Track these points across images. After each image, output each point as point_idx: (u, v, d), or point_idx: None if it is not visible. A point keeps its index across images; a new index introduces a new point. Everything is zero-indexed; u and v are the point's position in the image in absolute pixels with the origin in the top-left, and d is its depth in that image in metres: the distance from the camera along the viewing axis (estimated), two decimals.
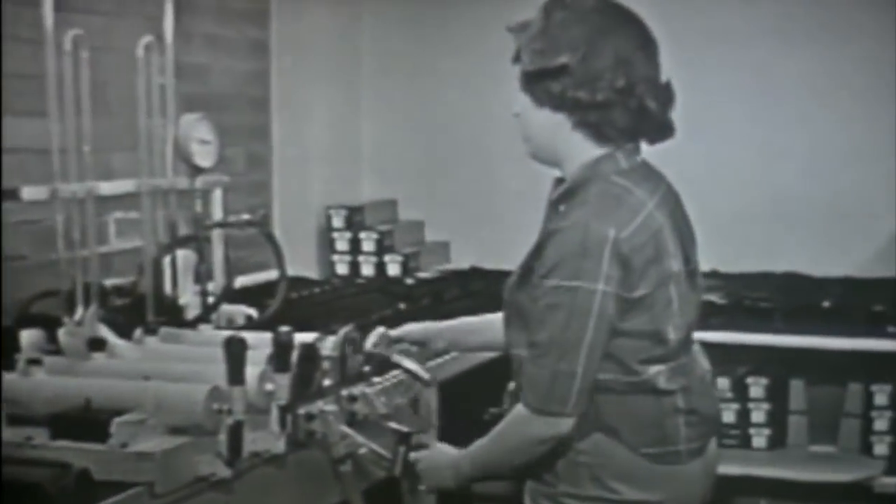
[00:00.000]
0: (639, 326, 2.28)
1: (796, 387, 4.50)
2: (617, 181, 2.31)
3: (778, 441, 4.47)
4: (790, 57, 4.64)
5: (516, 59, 2.37)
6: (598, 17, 2.31)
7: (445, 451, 2.48)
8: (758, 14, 4.65)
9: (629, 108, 2.29)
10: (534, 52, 2.32)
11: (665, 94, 2.33)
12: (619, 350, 2.29)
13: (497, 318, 2.54)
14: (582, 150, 2.33)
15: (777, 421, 4.47)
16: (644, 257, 2.26)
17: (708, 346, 2.49)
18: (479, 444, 2.41)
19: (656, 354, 2.32)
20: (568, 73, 2.28)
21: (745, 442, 4.42)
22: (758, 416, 4.43)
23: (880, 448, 4.33)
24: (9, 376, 2.44)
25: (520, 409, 2.30)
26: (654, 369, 2.31)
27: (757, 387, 4.43)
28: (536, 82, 2.32)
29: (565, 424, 2.27)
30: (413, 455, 2.48)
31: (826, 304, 4.28)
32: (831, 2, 4.62)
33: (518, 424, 2.32)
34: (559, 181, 2.40)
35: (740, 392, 4.42)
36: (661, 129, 2.35)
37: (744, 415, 4.42)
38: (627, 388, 2.31)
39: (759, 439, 4.43)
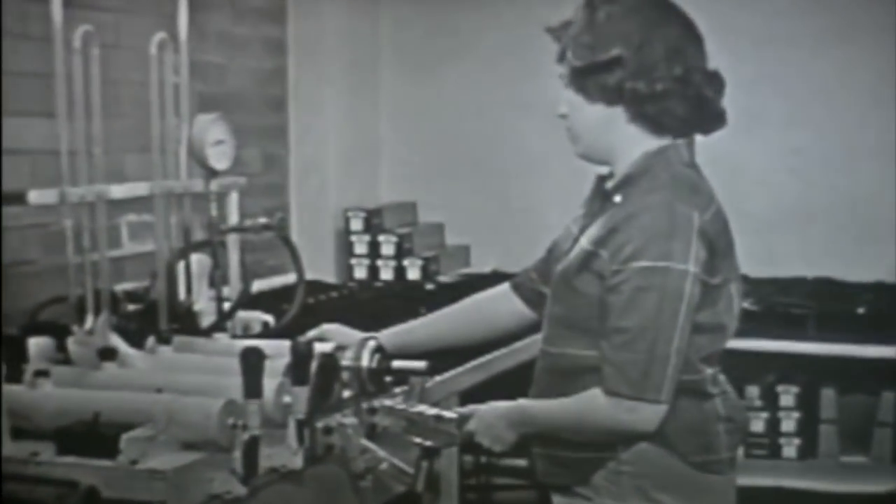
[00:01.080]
0: (706, 319, 2.26)
1: (827, 395, 4.44)
2: (686, 171, 2.31)
3: (808, 451, 4.42)
4: (825, 57, 4.57)
5: (561, 57, 2.33)
6: (646, 10, 2.30)
7: (495, 405, 2.39)
8: (789, 13, 4.58)
9: (687, 98, 2.29)
10: (582, 46, 2.29)
11: (717, 83, 2.33)
12: (689, 345, 2.24)
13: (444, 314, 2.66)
14: (639, 142, 2.32)
15: (807, 430, 4.41)
16: (722, 243, 2.27)
17: (737, 354, 2.49)
18: (545, 408, 2.33)
19: (714, 353, 2.31)
20: (622, 65, 2.26)
21: (775, 452, 4.38)
22: (788, 425, 4.39)
23: None
24: (14, 388, 2.35)
25: (598, 397, 2.23)
26: (709, 370, 2.30)
27: (787, 395, 4.38)
28: (588, 77, 2.29)
29: (654, 414, 2.20)
30: (464, 410, 2.39)
31: (860, 310, 4.20)
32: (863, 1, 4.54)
33: (598, 412, 2.24)
34: (602, 179, 2.39)
35: (770, 400, 4.38)
36: (716, 119, 2.34)
37: (773, 424, 4.38)
38: (683, 388, 2.26)
39: (790, 449, 4.40)
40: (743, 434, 2.42)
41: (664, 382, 2.19)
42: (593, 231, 2.30)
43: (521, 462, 4.28)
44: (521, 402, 2.37)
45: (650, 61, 2.25)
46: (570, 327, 2.33)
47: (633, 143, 2.31)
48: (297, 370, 2.35)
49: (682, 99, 2.28)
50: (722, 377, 2.38)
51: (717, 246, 2.24)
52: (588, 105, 2.31)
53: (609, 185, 2.35)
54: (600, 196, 2.37)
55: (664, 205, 2.22)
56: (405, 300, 4.09)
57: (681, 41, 2.29)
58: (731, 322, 2.32)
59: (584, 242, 2.31)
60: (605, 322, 2.23)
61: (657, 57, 2.26)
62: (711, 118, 2.33)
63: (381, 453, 2.44)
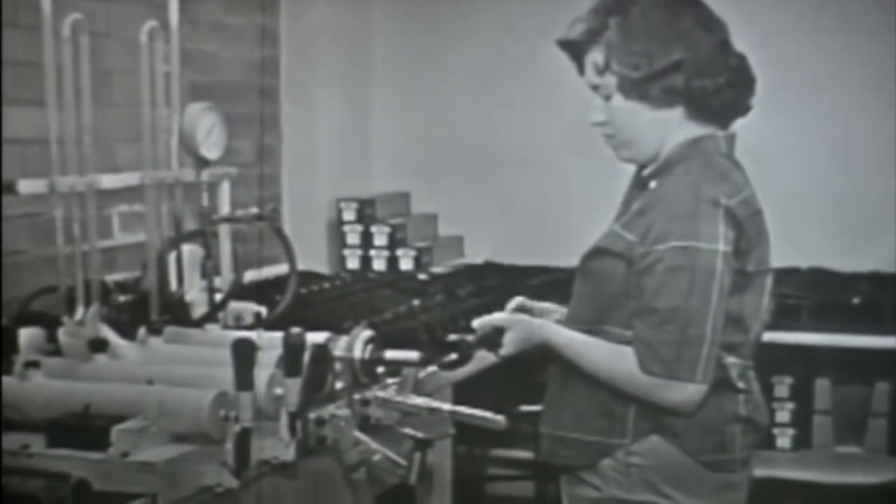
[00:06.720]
0: (727, 306, 2.24)
1: (821, 386, 4.42)
2: (719, 160, 2.31)
3: (803, 442, 4.39)
4: (816, 50, 4.56)
5: (602, 69, 2.30)
6: (682, 5, 2.30)
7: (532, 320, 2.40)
8: (783, 6, 4.56)
9: (742, 84, 2.32)
10: (635, 55, 2.27)
11: (748, 61, 2.35)
12: None
13: None
14: (682, 131, 2.32)
15: (802, 421, 4.38)
16: (752, 230, 2.27)
17: None
18: (588, 348, 2.30)
19: (735, 342, 2.29)
20: (681, 67, 2.26)
21: (769, 442, 4.33)
22: (782, 416, 4.36)
23: None
24: (4, 379, 2.34)
25: (638, 373, 2.23)
26: (730, 359, 2.29)
27: (781, 386, 4.35)
28: (651, 84, 2.28)
29: (693, 392, 2.21)
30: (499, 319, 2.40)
31: (855, 300, 4.18)
32: None
33: (639, 386, 2.24)
34: (641, 167, 2.38)
35: (764, 391, 4.28)
36: (753, 96, 2.36)
37: (768, 414, 4.33)
38: None
39: (784, 440, 4.37)
40: (761, 435, 2.41)
41: (698, 362, 2.19)
42: (624, 215, 2.33)
43: (515, 453, 4.27)
44: (570, 333, 2.34)
45: (706, 55, 2.26)
46: (594, 307, 2.33)
47: (677, 134, 2.31)
48: (290, 361, 2.34)
49: (740, 86, 2.31)
50: (751, 374, 2.38)
51: (747, 231, 2.24)
52: (649, 111, 2.29)
53: (646, 172, 2.35)
54: (638, 184, 2.38)
55: (690, 187, 2.23)
56: (398, 291, 4.07)
57: (723, 31, 2.31)
58: (756, 313, 2.31)
59: (614, 225, 2.32)
60: (639, 302, 2.23)
61: (713, 51, 2.27)
62: (752, 97, 2.35)
63: (374, 445, 2.43)
